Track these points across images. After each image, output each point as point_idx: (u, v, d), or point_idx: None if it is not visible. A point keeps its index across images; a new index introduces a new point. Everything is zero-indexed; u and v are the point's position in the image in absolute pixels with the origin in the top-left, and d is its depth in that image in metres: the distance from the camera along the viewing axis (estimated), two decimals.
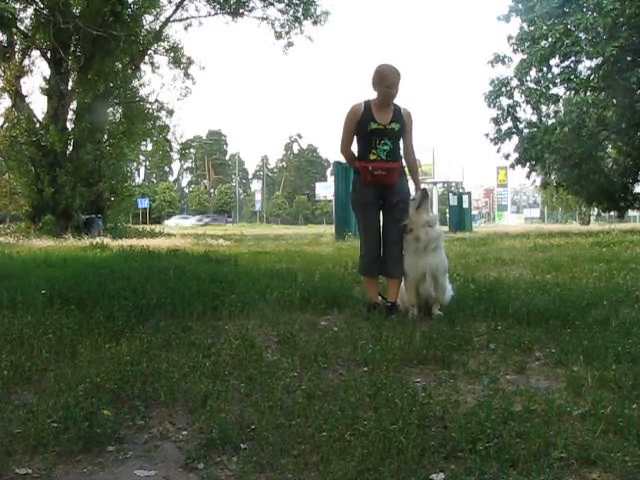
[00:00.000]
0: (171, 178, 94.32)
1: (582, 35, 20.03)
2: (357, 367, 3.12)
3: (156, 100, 22.27)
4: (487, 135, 23.25)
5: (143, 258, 8.84)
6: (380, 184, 4.48)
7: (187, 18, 22.41)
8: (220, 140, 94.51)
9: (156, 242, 14.14)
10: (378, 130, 4.43)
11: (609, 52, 18.60)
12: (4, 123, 19.76)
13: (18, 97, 19.06)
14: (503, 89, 22.41)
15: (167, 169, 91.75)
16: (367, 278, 4.71)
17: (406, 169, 4.75)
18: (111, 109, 21.40)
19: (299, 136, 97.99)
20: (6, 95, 19.39)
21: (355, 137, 4.58)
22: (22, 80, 19.26)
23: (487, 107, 22.89)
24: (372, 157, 4.44)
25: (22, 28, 18.62)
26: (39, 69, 24.46)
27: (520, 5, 22.10)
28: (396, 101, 4.54)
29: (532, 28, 21.12)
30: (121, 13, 15.67)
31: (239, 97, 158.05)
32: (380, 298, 4.68)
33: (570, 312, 4.07)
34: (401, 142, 4.58)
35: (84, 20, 16.86)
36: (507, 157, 23.72)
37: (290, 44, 21.95)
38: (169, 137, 24.33)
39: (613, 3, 18.18)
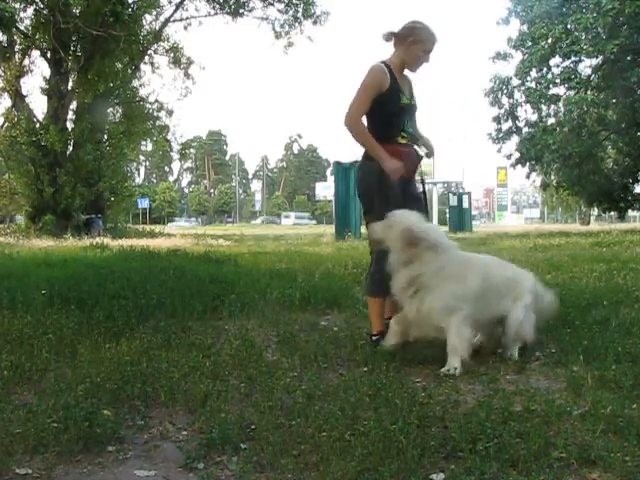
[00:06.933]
0: (171, 178, 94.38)
1: (582, 35, 20.05)
2: (357, 367, 3.11)
3: (156, 100, 22.31)
4: (490, 135, 23.30)
5: (143, 258, 8.84)
6: (406, 177, 3.50)
7: (187, 18, 22.46)
8: (220, 140, 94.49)
9: (156, 242, 14.13)
10: (409, 107, 3.55)
11: (609, 50, 18.60)
12: (4, 123, 19.77)
13: (18, 97, 19.06)
14: (503, 88, 22.44)
15: (167, 169, 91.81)
16: (375, 299, 3.54)
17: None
18: (111, 109, 21.41)
19: (299, 136, 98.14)
20: (6, 95, 19.43)
21: (378, 113, 3.46)
22: (22, 80, 19.32)
23: (488, 105, 23.01)
24: (403, 141, 3.50)
25: (22, 28, 18.62)
26: (39, 69, 24.54)
27: (519, 7, 22.11)
28: None
29: (532, 29, 21.12)
30: (121, 13, 15.69)
31: (239, 97, 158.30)
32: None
33: (570, 312, 4.07)
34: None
35: (84, 20, 16.86)
36: (509, 157, 23.78)
37: (290, 44, 21.99)
38: (169, 137, 24.42)
39: (612, 2, 18.18)
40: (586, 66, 22.05)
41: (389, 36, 3.54)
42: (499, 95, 22.70)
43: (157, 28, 21.34)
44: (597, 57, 20.58)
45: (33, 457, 2.06)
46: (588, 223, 48.28)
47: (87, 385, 2.65)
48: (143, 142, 26.56)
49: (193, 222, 56.30)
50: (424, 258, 3.09)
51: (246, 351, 3.28)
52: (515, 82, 22.50)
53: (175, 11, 21.88)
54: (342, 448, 2.01)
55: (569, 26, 19.92)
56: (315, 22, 21.43)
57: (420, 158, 3.63)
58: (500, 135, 23.25)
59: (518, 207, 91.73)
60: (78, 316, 4.03)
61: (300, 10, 21.36)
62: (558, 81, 21.29)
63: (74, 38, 18.31)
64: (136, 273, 6.28)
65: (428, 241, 3.10)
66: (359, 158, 3.71)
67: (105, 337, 3.55)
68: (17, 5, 17.49)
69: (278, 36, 21.93)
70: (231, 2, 21.86)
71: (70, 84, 19.07)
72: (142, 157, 46.85)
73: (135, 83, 21.83)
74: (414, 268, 3.10)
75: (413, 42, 3.45)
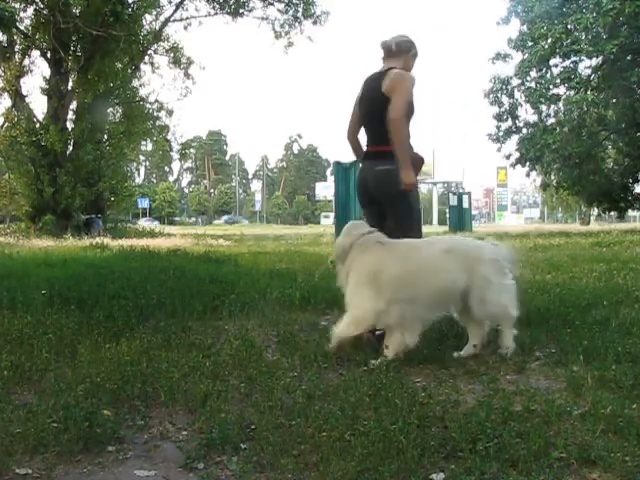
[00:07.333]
0: (171, 178, 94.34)
1: (582, 35, 20.05)
2: (357, 367, 3.11)
3: (156, 100, 22.29)
4: (490, 135, 23.30)
5: (143, 258, 8.84)
6: None
7: (187, 18, 22.44)
8: (220, 140, 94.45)
9: (156, 242, 14.14)
10: None
11: (609, 50, 18.61)
12: (4, 123, 19.76)
13: (18, 97, 19.05)
14: (503, 88, 22.45)
15: (167, 169, 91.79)
16: None
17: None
18: (111, 109, 21.41)
19: (299, 136, 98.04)
20: (6, 95, 19.41)
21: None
22: (22, 80, 19.30)
23: (488, 105, 23.01)
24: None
25: (22, 28, 18.61)
26: (39, 69, 24.57)
27: (519, 7, 22.11)
28: None
29: (532, 29, 21.12)
30: (121, 13, 15.68)
31: (239, 97, 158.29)
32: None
33: (570, 312, 4.07)
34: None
35: (84, 20, 16.85)
36: (508, 157, 23.78)
37: (290, 44, 21.98)
38: (169, 137, 24.42)
39: (612, 2, 18.17)
40: (586, 66, 22.07)
41: (389, 45, 3.63)
42: (499, 95, 22.70)
43: (157, 28, 21.34)
44: (597, 57, 20.59)
45: (33, 457, 2.06)
46: (588, 223, 48.23)
47: (87, 385, 2.65)
48: (143, 142, 26.58)
49: (155, 222, 57.15)
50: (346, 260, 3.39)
51: (246, 351, 3.28)
52: (515, 82, 22.51)
53: (175, 11, 21.90)
54: (342, 448, 2.01)
55: (569, 26, 19.92)
56: (315, 22, 21.43)
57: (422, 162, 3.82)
58: (500, 135, 23.26)
59: (518, 207, 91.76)
60: (78, 316, 4.03)
61: (300, 10, 21.36)
62: (558, 81, 21.29)
63: (74, 38, 18.30)
64: (136, 273, 6.28)
65: (348, 245, 3.37)
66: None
67: (105, 337, 3.55)
68: (17, 5, 17.50)
69: (278, 36, 21.93)
70: (231, 2, 21.85)
71: (70, 84, 19.07)
72: (142, 157, 46.92)
73: (135, 83, 21.86)
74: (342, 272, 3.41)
75: (412, 55, 3.69)
